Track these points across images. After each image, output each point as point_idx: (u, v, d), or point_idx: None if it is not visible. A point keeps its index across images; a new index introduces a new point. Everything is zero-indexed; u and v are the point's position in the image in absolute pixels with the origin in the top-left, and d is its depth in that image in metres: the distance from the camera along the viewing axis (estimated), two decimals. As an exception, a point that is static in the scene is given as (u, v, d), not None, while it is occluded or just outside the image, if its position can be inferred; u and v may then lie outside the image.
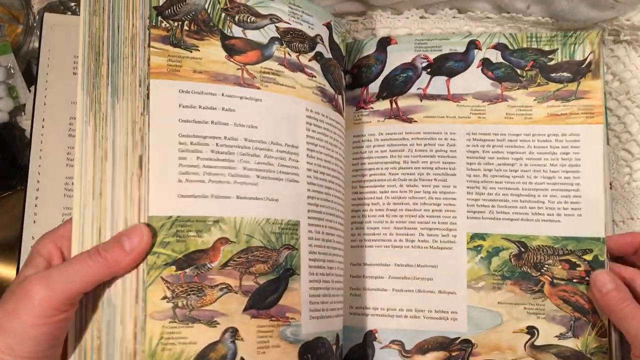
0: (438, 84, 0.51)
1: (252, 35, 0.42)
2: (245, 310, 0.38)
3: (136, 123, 0.37)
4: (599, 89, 0.48)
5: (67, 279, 0.33)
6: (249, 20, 0.42)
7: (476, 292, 0.46)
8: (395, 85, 0.51)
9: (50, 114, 0.51)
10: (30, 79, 0.56)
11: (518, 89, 0.49)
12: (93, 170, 0.37)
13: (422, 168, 0.49)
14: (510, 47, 0.50)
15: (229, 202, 0.38)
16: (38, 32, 0.54)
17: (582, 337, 0.44)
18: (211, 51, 0.40)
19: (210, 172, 0.38)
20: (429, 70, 0.51)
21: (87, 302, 0.36)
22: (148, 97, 0.38)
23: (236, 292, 0.38)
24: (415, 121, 0.50)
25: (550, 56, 0.50)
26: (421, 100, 0.50)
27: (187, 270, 0.37)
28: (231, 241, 0.38)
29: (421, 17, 0.55)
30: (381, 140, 0.50)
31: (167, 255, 0.37)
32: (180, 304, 0.36)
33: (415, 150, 0.49)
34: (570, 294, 0.45)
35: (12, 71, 0.56)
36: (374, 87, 0.51)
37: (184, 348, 0.36)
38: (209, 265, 0.37)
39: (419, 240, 0.48)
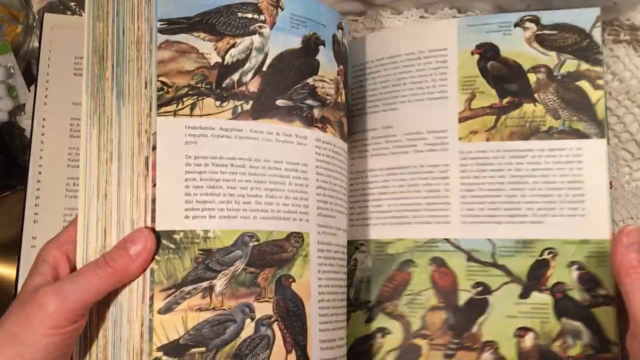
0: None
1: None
2: None
3: (142, 125, 0.37)
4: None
5: (79, 290, 0.34)
6: None
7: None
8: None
9: (50, 114, 0.51)
10: (30, 79, 0.56)
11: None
12: (98, 172, 0.37)
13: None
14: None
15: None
16: (38, 32, 0.54)
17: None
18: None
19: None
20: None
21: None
22: (156, 99, 0.38)
23: None
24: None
25: None
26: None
27: None
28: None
29: (421, 17, 0.55)
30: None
31: None
32: None
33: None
34: None
35: (12, 71, 0.56)
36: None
37: None
38: None
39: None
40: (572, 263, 0.43)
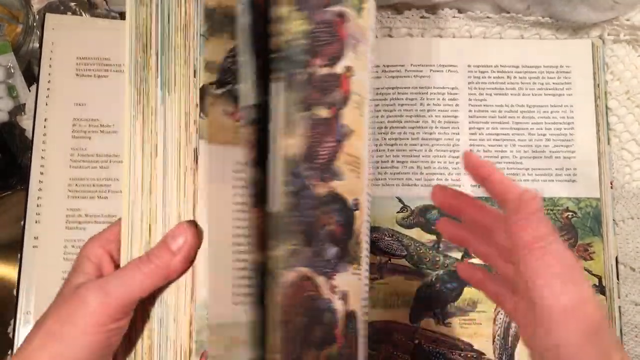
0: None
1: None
2: None
3: (190, 115, 0.35)
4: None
5: (122, 287, 0.33)
6: None
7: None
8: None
9: (52, 114, 0.51)
10: (30, 79, 0.56)
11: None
12: (142, 166, 0.35)
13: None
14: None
15: None
16: (38, 32, 0.53)
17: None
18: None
19: None
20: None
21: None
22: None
23: None
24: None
25: None
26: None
27: None
28: None
29: (421, 17, 0.55)
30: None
31: None
32: None
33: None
34: None
35: (12, 71, 0.56)
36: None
37: None
38: None
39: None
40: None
